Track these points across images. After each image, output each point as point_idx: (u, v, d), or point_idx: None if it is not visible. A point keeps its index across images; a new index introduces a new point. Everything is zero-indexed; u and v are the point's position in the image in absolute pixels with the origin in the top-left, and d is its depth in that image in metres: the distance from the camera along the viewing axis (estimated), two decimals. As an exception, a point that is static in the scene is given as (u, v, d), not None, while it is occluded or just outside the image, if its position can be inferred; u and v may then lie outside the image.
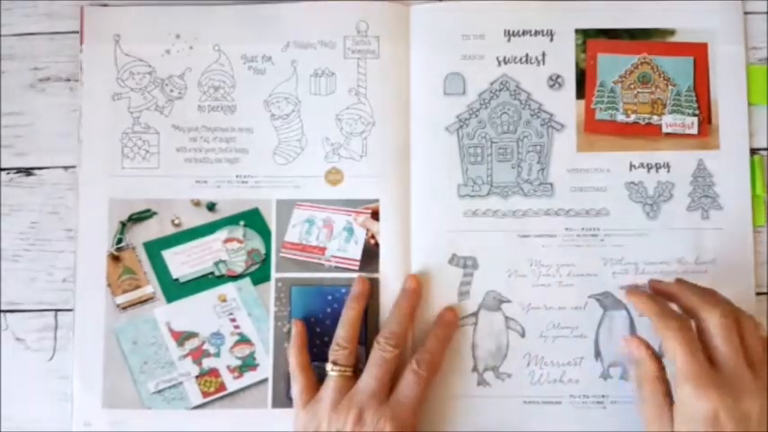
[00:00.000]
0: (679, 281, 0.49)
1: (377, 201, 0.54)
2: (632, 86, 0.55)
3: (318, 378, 0.51)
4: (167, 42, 0.55)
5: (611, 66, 0.55)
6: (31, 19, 0.56)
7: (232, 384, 0.53)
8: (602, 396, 0.52)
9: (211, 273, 0.54)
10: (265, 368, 0.53)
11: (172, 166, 0.55)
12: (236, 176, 0.54)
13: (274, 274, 0.54)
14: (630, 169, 0.54)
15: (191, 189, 0.54)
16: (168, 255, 0.54)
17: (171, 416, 0.52)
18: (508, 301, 0.53)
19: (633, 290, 0.49)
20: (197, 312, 0.53)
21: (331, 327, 0.52)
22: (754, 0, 0.55)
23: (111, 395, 0.52)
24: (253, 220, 0.54)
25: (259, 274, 0.54)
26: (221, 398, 0.53)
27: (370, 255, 0.53)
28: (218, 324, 0.53)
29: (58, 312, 0.54)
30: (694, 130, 0.54)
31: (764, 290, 0.53)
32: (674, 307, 0.47)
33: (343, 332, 0.50)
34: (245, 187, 0.54)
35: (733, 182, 0.53)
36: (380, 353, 0.49)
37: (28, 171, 0.55)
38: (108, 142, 0.55)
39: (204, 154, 0.55)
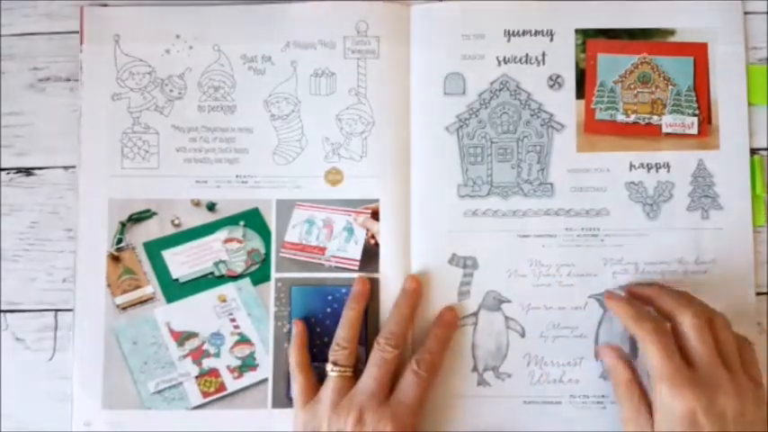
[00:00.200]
0: (656, 285, 0.50)
1: (377, 201, 0.54)
2: (632, 86, 0.55)
3: (318, 378, 0.51)
4: (167, 42, 0.55)
5: (611, 66, 0.55)
6: (30, 19, 0.56)
7: (232, 384, 0.53)
8: (602, 396, 0.52)
9: (211, 273, 0.54)
10: (265, 368, 0.53)
11: (172, 166, 0.55)
12: (236, 176, 0.54)
13: (274, 275, 0.54)
14: (630, 169, 0.54)
15: (191, 189, 0.54)
16: (168, 255, 0.54)
17: (171, 416, 0.52)
18: (508, 301, 0.53)
19: (611, 295, 0.50)
20: (197, 312, 0.53)
21: (331, 327, 0.52)
22: (754, 0, 0.55)
23: (111, 395, 0.52)
24: (253, 220, 0.54)
25: (259, 274, 0.54)
26: (221, 398, 0.53)
27: (370, 255, 0.53)
28: (218, 324, 0.53)
29: (58, 312, 0.54)
30: (694, 130, 0.54)
31: (764, 290, 0.53)
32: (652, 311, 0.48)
33: (344, 332, 0.50)
34: (245, 187, 0.54)
35: (733, 182, 0.53)
36: (380, 353, 0.49)
37: (28, 171, 0.55)
38: (108, 142, 0.55)
39: (204, 154, 0.55)
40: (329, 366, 0.49)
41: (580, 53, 0.55)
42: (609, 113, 0.55)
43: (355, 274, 0.53)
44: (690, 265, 0.53)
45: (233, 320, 0.53)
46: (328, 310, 0.53)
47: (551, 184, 0.54)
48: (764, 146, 0.54)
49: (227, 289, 0.54)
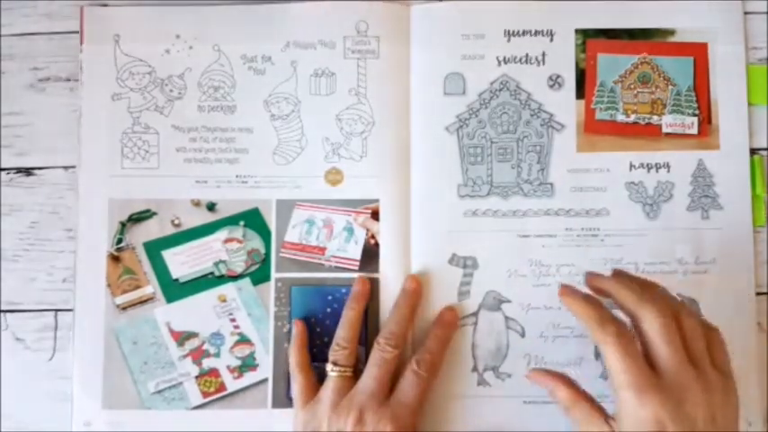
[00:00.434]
0: (617, 273, 0.46)
1: (377, 201, 0.54)
2: (632, 86, 0.55)
3: (318, 378, 0.51)
4: (167, 42, 0.55)
5: (611, 66, 0.55)
6: (30, 19, 0.56)
7: (232, 384, 0.53)
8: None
9: (211, 273, 0.54)
10: (265, 368, 0.53)
11: (172, 166, 0.55)
12: (236, 176, 0.54)
13: (274, 274, 0.54)
14: (630, 169, 0.54)
15: (191, 189, 0.54)
16: (168, 255, 0.54)
17: (171, 416, 0.52)
18: (508, 301, 0.53)
19: (567, 289, 0.44)
20: (197, 312, 0.53)
21: (331, 327, 0.52)
22: (754, 0, 0.55)
23: (111, 395, 0.52)
24: (253, 220, 0.54)
25: (259, 274, 0.54)
26: (221, 398, 0.53)
27: (370, 255, 0.53)
28: (218, 324, 0.53)
29: (58, 312, 0.54)
30: (694, 130, 0.54)
31: (764, 290, 0.53)
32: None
33: (344, 332, 0.50)
34: (245, 187, 0.54)
35: (733, 182, 0.53)
36: (380, 353, 0.49)
37: (28, 171, 0.55)
38: (108, 142, 0.55)
39: (204, 154, 0.55)
40: (329, 366, 0.49)
41: (580, 53, 0.55)
42: (609, 113, 0.55)
43: (355, 274, 0.53)
44: (690, 265, 0.53)
45: (233, 320, 0.53)
46: (328, 310, 0.53)
47: (551, 184, 0.54)
48: (764, 146, 0.54)
49: (227, 289, 0.54)
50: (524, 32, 0.55)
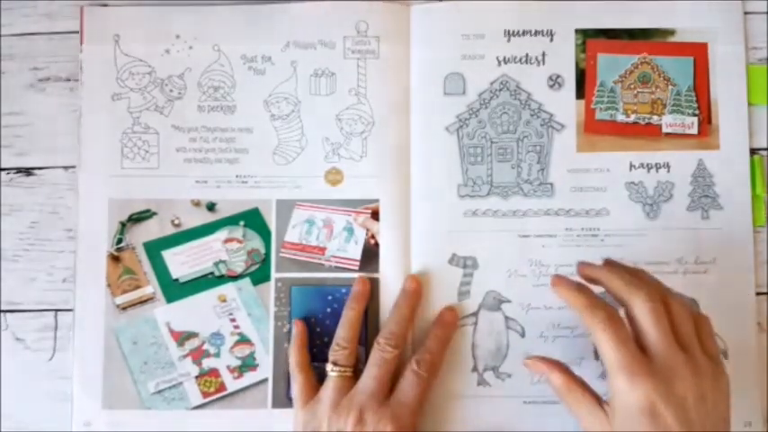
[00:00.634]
0: (608, 262, 0.48)
1: (377, 201, 0.54)
2: (632, 86, 0.55)
3: (318, 378, 0.51)
4: (167, 42, 0.55)
5: (611, 66, 0.55)
6: (30, 19, 0.56)
7: (232, 384, 0.53)
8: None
9: (211, 273, 0.54)
10: (265, 368, 0.53)
11: (172, 166, 0.55)
12: (236, 176, 0.54)
13: (274, 274, 0.54)
14: (630, 169, 0.54)
15: (191, 189, 0.54)
16: (168, 255, 0.54)
17: (171, 416, 0.52)
18: (508, 301, 0.53)
19: (559, 279, 0.46)
20: (197, 312, 0.53)
21: (331, 327, 0.52)
22: (754, 0, 0.55)
23: (111, 395, 0.52)
24: (253, 220, 0.54)
25: (259, 275, 0.54)
26: (221, 398, 0.53)
27: (370, 255, 0.53)
28: (218, 324, 0.53)
29: (58, 312, 0.54)
30: (694, 130, 0.54)
31: (764, 290, 0.53)
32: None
33: (344, 332, 0.50)
34: (245, 187, 0.54)
35: (733, 182, 0.53)
36: (380, 353, 0.49)
37: (28, 171, 0.55)
38: (108, 142, 0.55)
39: (204, 154, 0.55)
40: (329, 366, 0.49)
41: (580, 53, 0.55)
42: (609, 113, 0.55)
43: (355, 274, 0.53)
44: (690, 265, 0.53)
45: (233, 320, 0.53)
46: (328, 310, 0.53)
47: (551, 184, 0.54)
48: (764, 146, 0.54)
49: (227, 289, 0.54)
50: (524, 32, 0.55)
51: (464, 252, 0.53)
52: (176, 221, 0.54)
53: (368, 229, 0.54)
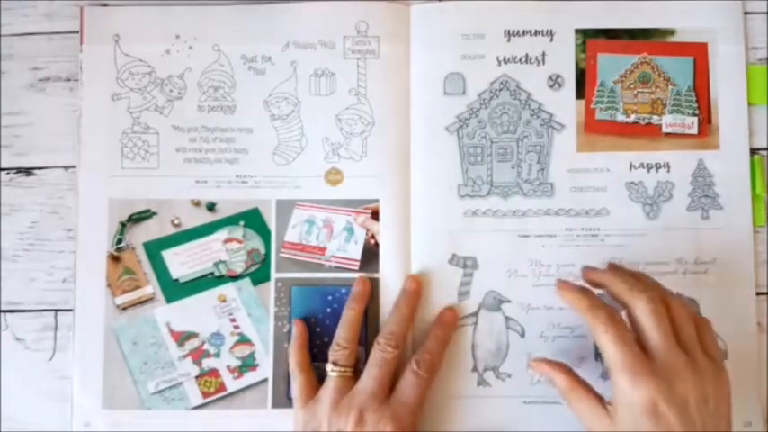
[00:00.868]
0: (611, 266, 0.49)
1: (377, 201, 0.54)
2: (632, 86, 0.55)
3: (318, 378, 0.51)
4: (167, 42, 0.55)
5: (611, 66, 0.55)
6: (30, 19, 0.56)
7: (232, 384, 0.53)
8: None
9: (211, 273, 0.54)
10: (265, 368, 0.53)
11: (172, 166, 0.55)
12: (236, 176, 0.54)
13: (274, 275, 0.54)
14: (630, 169, 0.54)
15: (190, 189, 0.54)
16: (168, 255, 0.54)
17: (171, 416, 0.52)
18: (508, 301, 0.53)
19: (563, 283, 0.47)
20: (197, 313, 0.53)
21: (331, 327, 0.52)
22: (754, 0, 0.55)
23: (111, 395, 0.52)
24: (253, 220, 0.54)
25: (259, 275, 0.54)
26: (221, 398, 0.53)
27: (370, 255, 0.53)
28: (218, 324, 0.53)
29: (58, 312, 0.54)
30: (694, 130, 0.54)
31: (764, 290, 0.53)
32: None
33: (344, 332, 0.50)
34: (244, 187, 0.54)
35: (733, 182, 0.53)
36: (380, 353, 0.49)
37: (28, 171, 0.55)
38: (108, 142, 0.55)
39: (204, 154, 0.55)
40: (329, 366, 0.49)
41: (580, 53, 0.55)
42: (609, 113, 0.55)
43: (355, 274, 0.53)
44: (690, 265, 0.53)
45: (233, 320, 0.53)
46: (328, 310, 0.53)
47: (551, 184, 0.54)
48: (764, 146, 0.54)
49: (227, 289, 0.54)
50: (524, 32, 0.55)
51: (464, 252, 0.53)
52: (176, 221, 0.54)
53: (368, 229, 0.54)
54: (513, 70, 0.55)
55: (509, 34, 0.55)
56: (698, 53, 0.54)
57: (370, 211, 0.54)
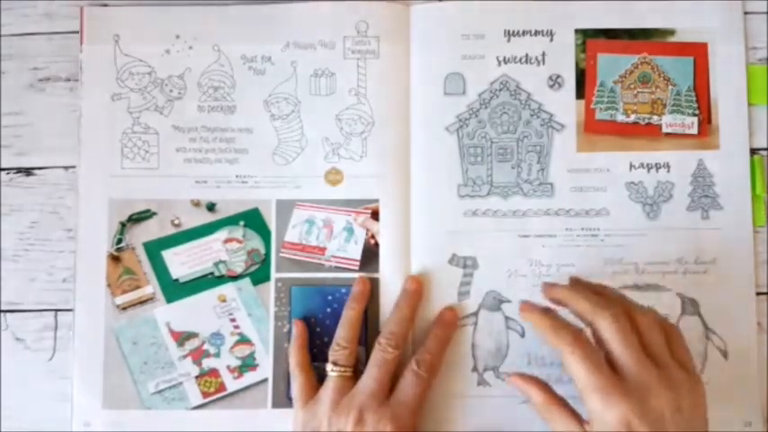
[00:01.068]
0: (572, 281, 0.49)
1: (377, 201, 0.54)
2: (632, 86, 0.55)
3: (318, 378, 0.51)
4: (167, 42, 0.55)
5: (611, 66, 0.55)
6: (30, 19, 0.56)
7: (232, 384, 0.53)
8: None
9: (211, 273, 0.54)
10: (265, 368, 0.53)
11: (171, 166, 0.55)
12: (236, 176, 0.54)
13: (274, 275, 0.54)
14: (630, 169, 0.54)
15: (190, 189, 0.54)
16: (168, 255, 0.54)
17: (171, 416, 0.52)
18: (508, 301, 0.53)
19: (526, 305, 0.47)
20: (197, 313, 0.53)
21: (331, 327, 0.52)
22: (754, 0, 0.55)
23: (111, 395, 0.52)
24: (253, 220, 0.54)
25: (259, 275, 0.54)
26: (221, 398, 0.53)
27: (370, 255, 0.53)
28: (218, 324, 0.53)
29: (58, 312, 0.54)
30: (694, 130, 0.54)
31: (764, 290, 0.53)
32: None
33: (344, 332, 0.50)
34: (244, 187, 0.54)
35: (733, 182, 0.53)
36: (381, 354, 0.49)
37: (28, 171, 0.55)
38: (108, 142, 0.55)
39: (204, 154, 0.55)
40: (329, 366, 0.49)
41: (580, 53, 0.55)
42: (609, 113, 0.55)
43: (355, 274, 0.53)
44: (690, 265, 0.53)
45: (233, 320, 0.53)
46: (328, 310, 0.53)
47: (551, 184, 0.54)
48: (764, 146, 0.54)
49: (227, 289, 0.54)
50: (524, 32, 0.55)
51: (464, 252, 0.53)
52: (176, 221, 0.54)
53: (368, 229, 0.54)
54: (513, 70, 0.55)
55: (509, 34, 0.55)
56: (698, 53, 0.54)
57: (370, 211, 0.54)
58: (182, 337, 0.53)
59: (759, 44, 0.55)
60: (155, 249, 0.54)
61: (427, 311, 0.53)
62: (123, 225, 0.54)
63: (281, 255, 0.54)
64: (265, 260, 0.54)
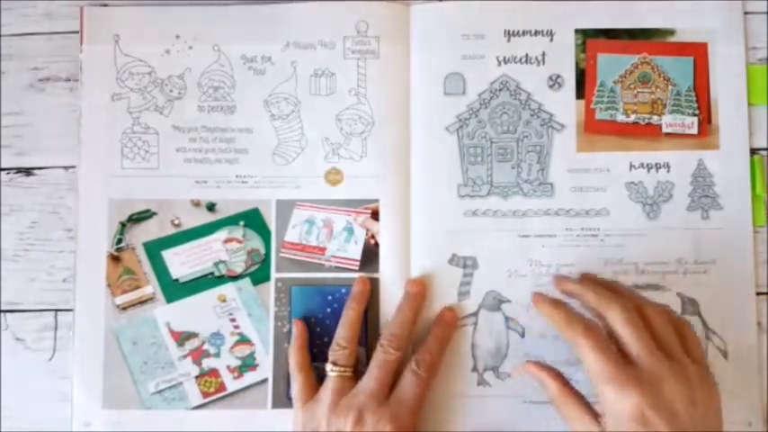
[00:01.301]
0: (583, 277, 0.49)
1: (377, 201, 0.54)
2: (632, 86, 0.55)
3: (318, 378, 0.51)
4: (167, 42, 0.55)
5: (611, 66, 0.55)
6: (30, 19, 0.56)
7: (232, 384, 0.53)
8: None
9: (211, 273, 0.54)
10: (265, 368, 0.53)
11: (171, 166, 0.55)
12: (236, 176, 0.54)
13: (274, 275, 0.54)
14: (630, 169, 0.54)
15: (190, 189, 0.54)
16: (168, 255, 0.54)
17: (171, 416, 0.52)
18: (508, 301, 0.53)
19: (538, 297, 0.48)
20: (197, 313, 0.53)
21: (331, 327, 0.52)
22: (754, 0, 0.55)
23: (111, 395, 0.52)
24: (253, 220, 0.54)
25: (259, 275, 0.54)
26: (221, 398, 0.53)
27: (370, 255, 0.53)
28: (218, 324, 0.53)
29: (58, 312, 0.54)
30: (694, 130, 0.54)
31: (764, 290, 0.53)
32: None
33: (344, 332, 0.50)
34: (244, 187, 0.54)
35: (733, 182, 0.53)
36: (383, 355, 0.49)
37: (28, 171, 0.55)
38: (108, 142, 0.55)
39: (204, 154, 0.55)
40: (329, 366, 0.49)
41: (580, 53, 0.55)
42: (609, 113, 0.55)
43: (355, 274, 0.53)
44: (690, 265, 0.53)
45: (233, 320, 0.53)
46: (328, 310, 0.53)
47: (551, 184, 0.54)
48: (764, 146, 0.54)
49: (227, 289, 0.54)
50: (524, 32, 0.55)
51: (464, 252, 0.53)
52: (176, 221, 0.54)
53: (368, 229, 0.54)
54: (513, 70, 0.55)
55: (509, 34, 0.55)
56: (698, 53, 0.54)
57: (370, 211, 0.54)
58: (182, 337, 0.53)
59: (759, 44, 0.55)
60: (155, 249, 0.54)
61: (427, 311, 0.53)
62: (123, 225, 0.54)
63: (281, 255, 0.54)
64: (265, 260, 0.54)
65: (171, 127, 0.55)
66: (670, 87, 0.54)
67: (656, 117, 0.54)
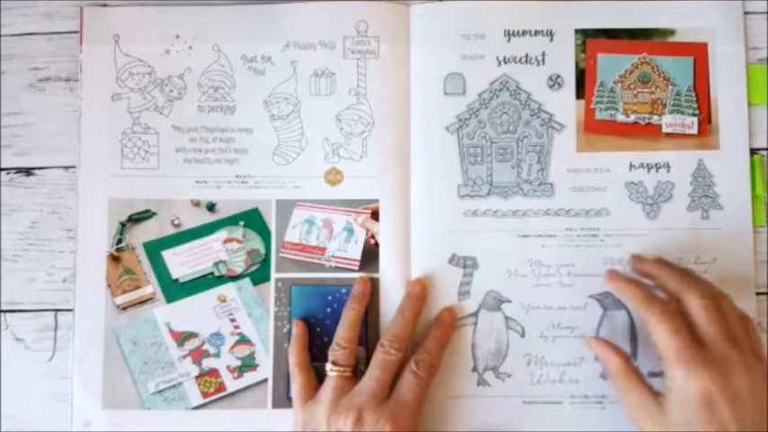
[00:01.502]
0: (659, 260, 0.50)
1: (377, 201, 0.54)
2: (632, 86, 0.55)
3: (318, 378, 0.51)
4: (167, 42, 0.55)
5: (611, 66, 0.55)
6: (30, 19, 0.56)
7: (232, 385, 0.53)
8: (602, 396, 0.52)
9: (211, 273, 0.54)
10: (265, 368, 0.53)
11: (171, 166, 0.55)
12: (236, 177, 0.54)
13: (274, 275, 0.54)
14: (630, 169, 0.54)
15: (190, 189, 0.54)
16: (168, 255, 0.54)
17: (171, 416, 0.52)
18: (508, 301, 0.53)
19: (614, 274, 0.49)
20: (197, 313, 0.53)
21: (331, 327, 0.52)
22: (754, 0, 0.55)
23: (111, 395, 0.52)
24: (252, 220, 0.54)
25: (259, 275, 0.54)
26: (221, 398, 0.53)
27: (370, 255, 0.53)
28: (218, 324, 0.53)
29: (58, 312, 0.54)
30: (694, 130, 0.54)
31: (764, 290, 0.53)
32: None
33: (344, 332, 0.50)
34: (244, 187, 0.54)
35: (733, 182, 0.53)
36: (384, 355, 0.49)
37: (28, 171, 0.55)
38: (107, 142, 0.55)
39: (204, 154, 0.55)
40: (329, 366, 0.49)
41: (580, 53, 0.55)
42: (609, 113, 0.55)
43: (355, 274, 0.53)
44: (690, 265, 0.53)
45: (233, 320, 0.53)
46: (328, 310, 0.53)
47: (551, 184, 0.54)
48: (764, 146, 0.54)
49: (227, 289, 0.54)
50: (524, 32, 0.55)
51: (464, 252, 0.53)
52: (176, 221, 0.54)
53: (368, 229, 0.54)
54: (513, 70, 0.55)
55: (509, 34, 0.55)
56: (698, 53, 0.54)
57: (370, 211, 0.54)
58: (182, 337, 0.53)
59: (759, 44, 0.55)
60: (155, 249, 0.54)
61: (427, 311, 0.53)
62: (123, 225, 0.54)
63: (281, 255, 0.54)
64: (265, 260, 0.54)
65: (171, 127, 0.55)
66: (670, 87, 0.54)
67: (656, 117, 0.54)
